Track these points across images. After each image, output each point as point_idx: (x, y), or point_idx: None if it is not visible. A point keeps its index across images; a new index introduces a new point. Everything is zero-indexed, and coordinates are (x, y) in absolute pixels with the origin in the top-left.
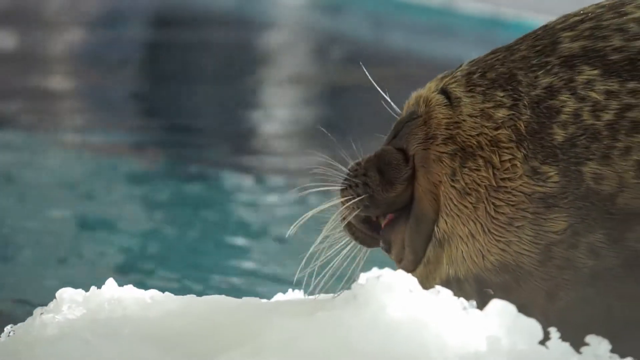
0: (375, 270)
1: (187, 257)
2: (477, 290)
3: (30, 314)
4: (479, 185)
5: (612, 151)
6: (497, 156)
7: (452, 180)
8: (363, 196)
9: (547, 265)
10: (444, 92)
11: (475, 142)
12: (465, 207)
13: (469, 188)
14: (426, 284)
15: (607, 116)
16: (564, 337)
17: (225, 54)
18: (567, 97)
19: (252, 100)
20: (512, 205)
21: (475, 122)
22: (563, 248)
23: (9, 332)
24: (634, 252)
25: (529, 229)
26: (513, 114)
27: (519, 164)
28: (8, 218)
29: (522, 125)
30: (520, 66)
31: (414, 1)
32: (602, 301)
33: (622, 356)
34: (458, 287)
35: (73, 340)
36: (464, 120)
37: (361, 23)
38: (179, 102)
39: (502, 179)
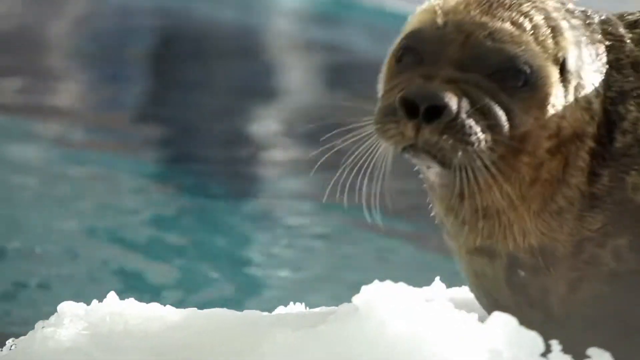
0: (376, 283)
1: (187, 268)
2: (507, 267)
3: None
4: (550, 174)
5: None
6: (574, 152)
7: (534, 166)
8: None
9: (577, 258)
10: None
11: (569, 133)
12: (530, 189)
13: (541, 176)
14: (454, 235)
15: None
16: (576, 331)
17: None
18: (631, 105)
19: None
20: (566, 199)
21: (579, 110)
22: (593, 245)
23: (11, 346)
24: None
25: (572, 222)
26: (595, 112)
27: (584, 164)
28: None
29: (595, 126)
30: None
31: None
32: (616, 302)
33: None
34: (489, 258)
35: (75, 354)
36: (575, 102)
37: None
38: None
39: (568, 175)
